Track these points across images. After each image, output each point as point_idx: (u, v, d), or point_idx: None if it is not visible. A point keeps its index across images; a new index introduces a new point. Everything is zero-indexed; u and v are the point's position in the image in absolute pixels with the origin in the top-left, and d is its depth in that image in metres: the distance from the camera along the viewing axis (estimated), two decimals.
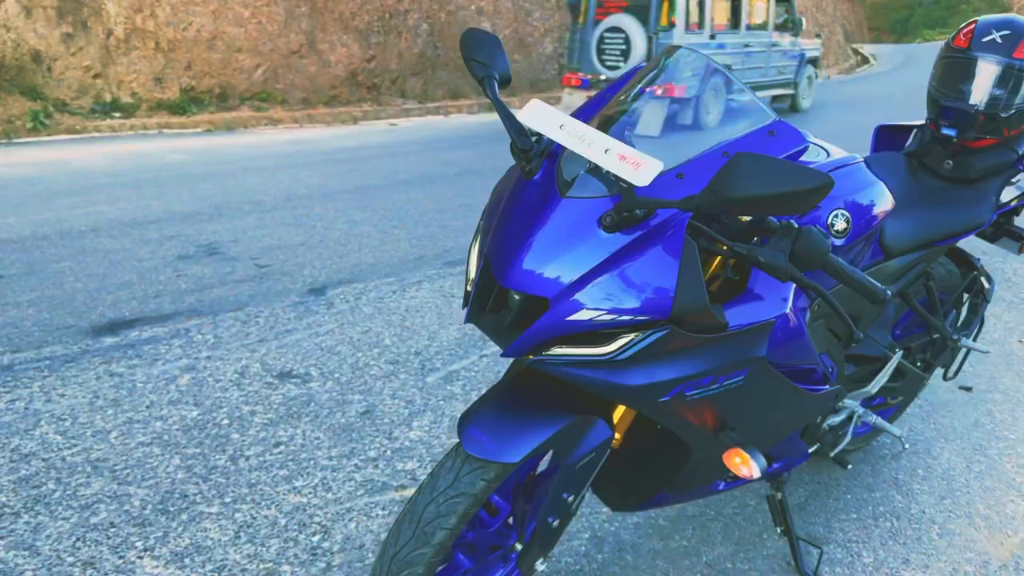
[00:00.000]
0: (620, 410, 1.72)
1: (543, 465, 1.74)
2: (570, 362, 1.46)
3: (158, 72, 10.50)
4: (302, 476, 2.59)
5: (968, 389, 3.34)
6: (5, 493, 2.45)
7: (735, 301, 1.58)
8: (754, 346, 1.59)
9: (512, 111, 1.59)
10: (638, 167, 1.36)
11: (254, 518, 2.37)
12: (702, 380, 1.54)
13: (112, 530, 2.30)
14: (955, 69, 2.31)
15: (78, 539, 2.26)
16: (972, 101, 2.25)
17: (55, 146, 8.62)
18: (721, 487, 2.01)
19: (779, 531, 2.25)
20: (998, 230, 2.64)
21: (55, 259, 4.77)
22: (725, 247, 1.44)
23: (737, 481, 2.03)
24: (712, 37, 11.27)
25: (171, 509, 2.41)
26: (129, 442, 2.76)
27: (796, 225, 1.38)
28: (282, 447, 2.75)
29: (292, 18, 11.82)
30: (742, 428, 1.71)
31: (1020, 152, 2.34)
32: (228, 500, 2.46)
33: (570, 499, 1.69)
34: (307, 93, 11.90)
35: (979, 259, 2.64)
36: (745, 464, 1.67)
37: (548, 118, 1.47)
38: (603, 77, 10.76)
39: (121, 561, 2.18)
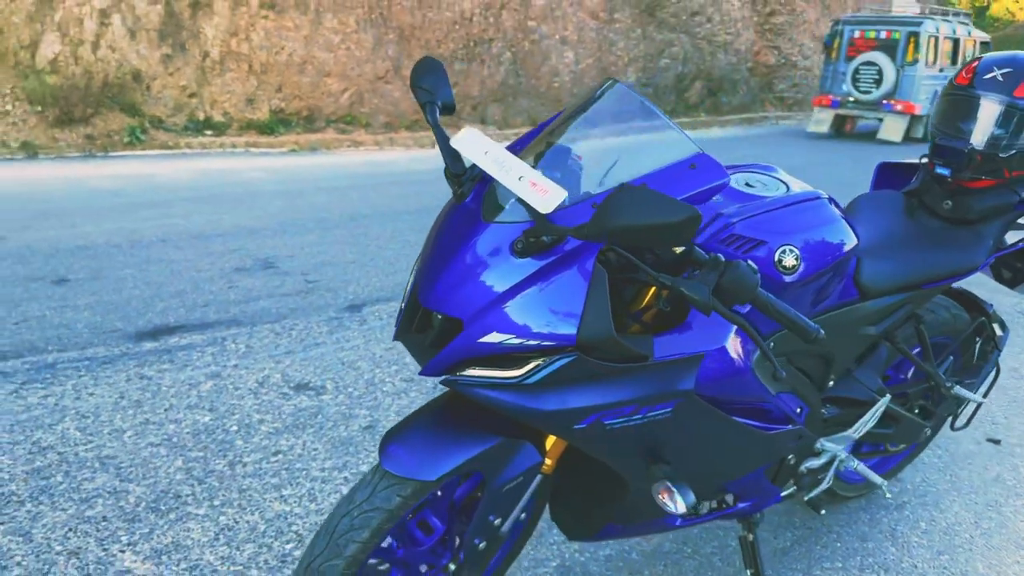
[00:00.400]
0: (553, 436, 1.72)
1: None
2: (482, 383, 1.48)
3: (250, 93, 10.99)
4: (291, 485, 2.66)
5: (996, 442, 3.16)
6: (16, 482, 2.61)
7: (667, 332, 1.58)
8: (680, 378, 1.57)
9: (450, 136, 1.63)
10: (545, 194, 1.38)
11: (236, 522, 2.46)
12: (622, 409, 1.53)
13: (103, 524, 2.42)
14: (956, 107, 2.23)
15: (70, 530, 2.39)
16: (972, 140, 2.17)
17: (147, 160, 9.12)
18: (677, 523, 1.96)
19: (749, 574, 2.18)
20: (1016, 275, 2.52)
21: (120, 266, 5.05)
22: (651, 277, 1.43)
23: (695, 518, 1.99)
24: (940, 70, 14.28)
25: (162, 508, 2.51)
26: (140, 442, 2.89)
27: (723, 259, 1.37)
28: (280, 456, 2.84)
29: (380, 44, 12.20)
30: (676, 462, 1.69)
31: (1022, 195, 2.23)
32: (217, 503, 2.55)
33: (496, 522, 1.69)
34: (390, 117, 12.24)
35: (991, 304, 2.52)
36: (670, 499, 1.65)
37: (476, 145, 1.51)
38: (852, 98, 14.52)
39: (104, 553, 2.29)
